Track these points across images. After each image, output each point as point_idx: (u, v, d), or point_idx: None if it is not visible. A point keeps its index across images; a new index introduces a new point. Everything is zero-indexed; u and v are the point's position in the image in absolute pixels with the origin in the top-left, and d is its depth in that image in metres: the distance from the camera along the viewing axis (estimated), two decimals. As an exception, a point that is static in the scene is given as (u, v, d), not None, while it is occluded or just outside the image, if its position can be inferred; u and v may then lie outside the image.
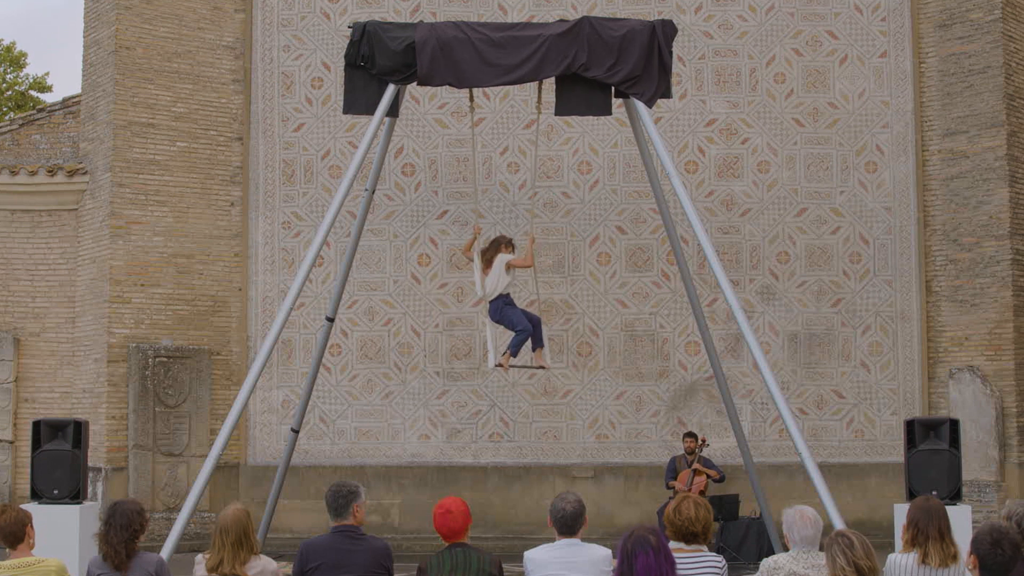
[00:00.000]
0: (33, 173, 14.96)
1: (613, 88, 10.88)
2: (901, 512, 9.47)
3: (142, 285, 14.66)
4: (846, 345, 14.97)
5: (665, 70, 10.85)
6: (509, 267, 11.27)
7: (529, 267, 11.62)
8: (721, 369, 12.50)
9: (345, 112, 11.24)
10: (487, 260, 11.25)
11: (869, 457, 14.82)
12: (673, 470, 13.52)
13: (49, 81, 30.77)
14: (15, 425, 14.88)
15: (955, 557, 5.53)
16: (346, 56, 10.92)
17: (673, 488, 13.46)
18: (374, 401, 15.02)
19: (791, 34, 15.27)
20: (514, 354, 11.51)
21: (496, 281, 11.21)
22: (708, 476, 13.25)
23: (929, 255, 14.96)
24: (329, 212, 10.48)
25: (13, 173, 14.98)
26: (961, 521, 9.03)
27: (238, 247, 15.12)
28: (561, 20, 11.32)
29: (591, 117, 12.25)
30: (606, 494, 14.68)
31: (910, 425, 10.11)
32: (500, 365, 11.59)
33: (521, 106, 15.07)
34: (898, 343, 14.97)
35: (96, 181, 14.89)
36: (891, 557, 5.70)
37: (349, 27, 11.13)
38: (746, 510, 13.35)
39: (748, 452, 12.42)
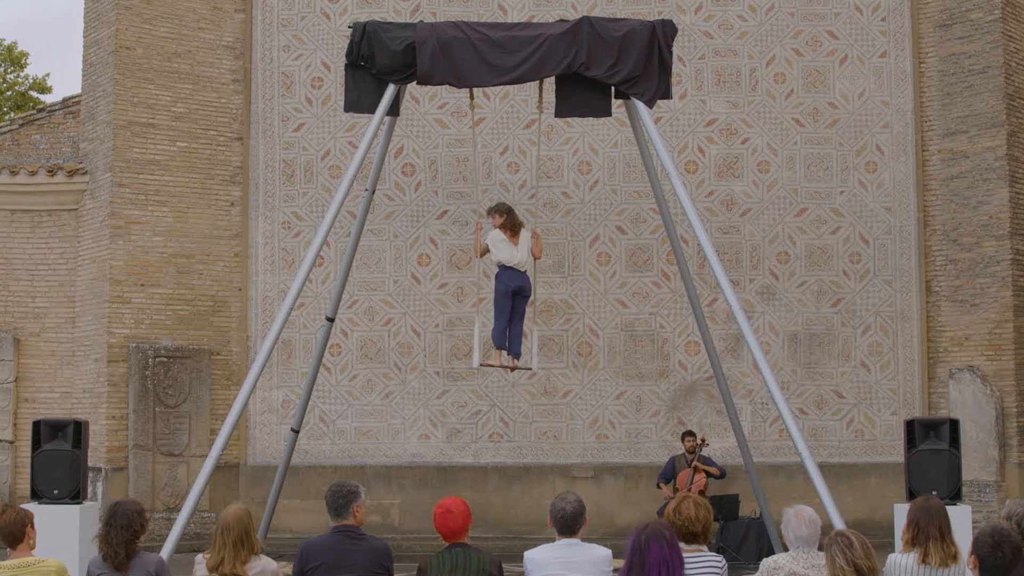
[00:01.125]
0: (33, 173, 14.97)
1: (613, 89, 10.88)
2: (901, 512, 9.47)
3: (142, 285, 14.66)
4: (846, 345, 14.97)
5: (665, 70, 10.86)
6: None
7: (538, 258, 11.69)
8: (721, 369, 12.51)
9: (346, 111, 11.26)
10: (511, 229, 11.29)
11: (869, 457, 14.82)
12: (672, 469, 13.52)
13: (49, 82, 30.75)
14: (15, 425, 14.88)
15: (955, 557, 5.53)
16: (347, 56, 10.93)
17: (662, 489, 13.48)
18: (374, 401, 15.02)
19: (791, 34, 15.27)
20: (518, 355, 11.54)
21: (527, 253, 11.29)
22: (709, 473, 13.25)
23: (929, 255, 14.97)
24: (329, 212, 10.49)
25: (13, 173, 14.98)
26: (961, 521, 9.03)
27: (238, 247, 15.12)
28: (561, 20, 11.33)
29: (591, 117, 12.24)
30: (606, 494, 14.68)
31: (910, 425, 10.11)
32: (514, 367, 11.66)
33: (521, 106, 15.07)
34: (898, 343, 14.97)
35: (96, 181, 14.89)
36: (891, 557, 5.71)
37: (349, 27, 11.14)
38: (746, 510, 13.34)
39: (748, 452, 12.42)
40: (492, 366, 11.75)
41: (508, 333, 11.56)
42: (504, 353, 11.48)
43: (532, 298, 12.35)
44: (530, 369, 12.12)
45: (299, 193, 15.23)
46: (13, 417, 14.90)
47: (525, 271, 11.39)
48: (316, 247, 10.32)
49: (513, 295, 11.41)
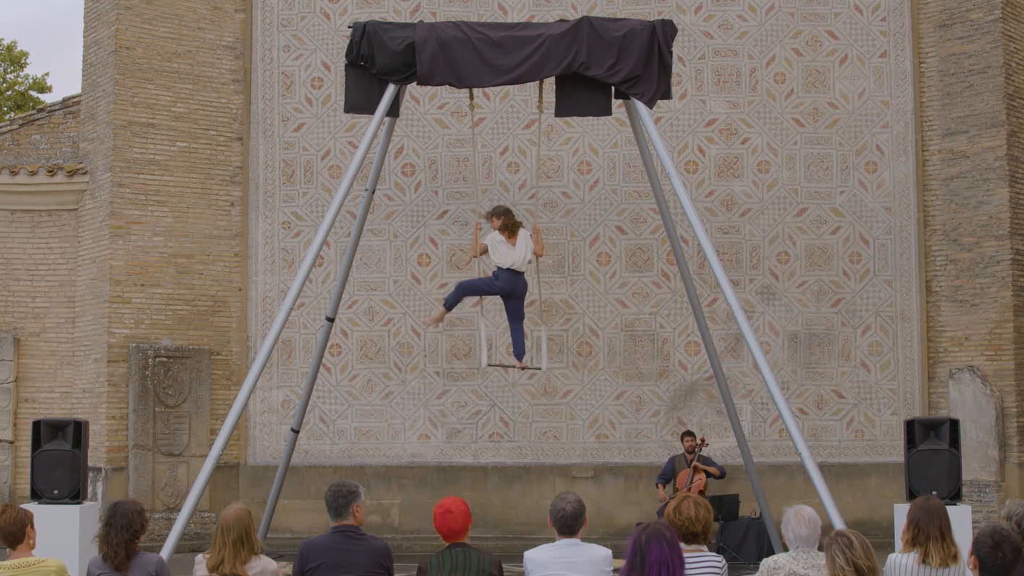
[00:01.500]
0: (33, 173, 14.97)
1: (613, 88, 10.88)
2: (901, 512, 9.47)
3: (142, 285, 14.66)
4: (846, 345, 14.97)
5: (665, 70, 10.85)
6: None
7: (541, 254, 11.69)
8: (721, 369, 12.50)
9: (346, 111, 11.25)
10: (509, 231, 11.29)
11: (869, 457, 14.82)
12: (672, 470, 13.54)
13: (49, 82, 30.76)
14: (15, 425, 14.88)
15: (955, 557, 5.53)
16: (346, 56, 10.93)
17: (659, 488, 13.51)
18: (374, 401, 15.03)
19: (791, 34, 15.27)
20: (520, 357, 11.59)
21: (525, 253, 11.29)
22: (709, 473, 13.26)
23: (929, 255, 14.97)
24: (329, 212, 10.49)
25: (13, 173, 14.98)
26: (961, 521, 9.03)
27: (238, 247, 15.12)
28: (561, 20, 11.33)
29: (591, 117, 12.25)
30: (606, 494, 14.68)
31: (910, 425, 10.11)
32: (524, 367, 11.74)
33: (521, 106, 15.08)
34: (898, 343, 14.97)
35: (96, 181, 14.89)
36: (891, 557, 5.71)
37: (349, 27, 11.14)
38: (746, 510, 13.34)
39: (748, 452, 12.42)
40: (501, 366, 11.78)
41: (510, 334, 11.65)
42: (447, 313, 11.67)
43: (534, 298, 12.37)
44: (539, 368, 12.16)
45: (299, 193, 15.23)
46: (13, 417, 14.90)
47: (522, 272, 11.40)
48: (316, 247, 10.32)
49: (506, 297, 11.48)
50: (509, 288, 11.37)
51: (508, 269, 11.30)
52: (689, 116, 15.19)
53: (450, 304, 11.56)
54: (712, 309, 14.51)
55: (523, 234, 11.33)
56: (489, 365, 12.09)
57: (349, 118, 14.70)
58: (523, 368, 11.88)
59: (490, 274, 11.66)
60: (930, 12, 15.07)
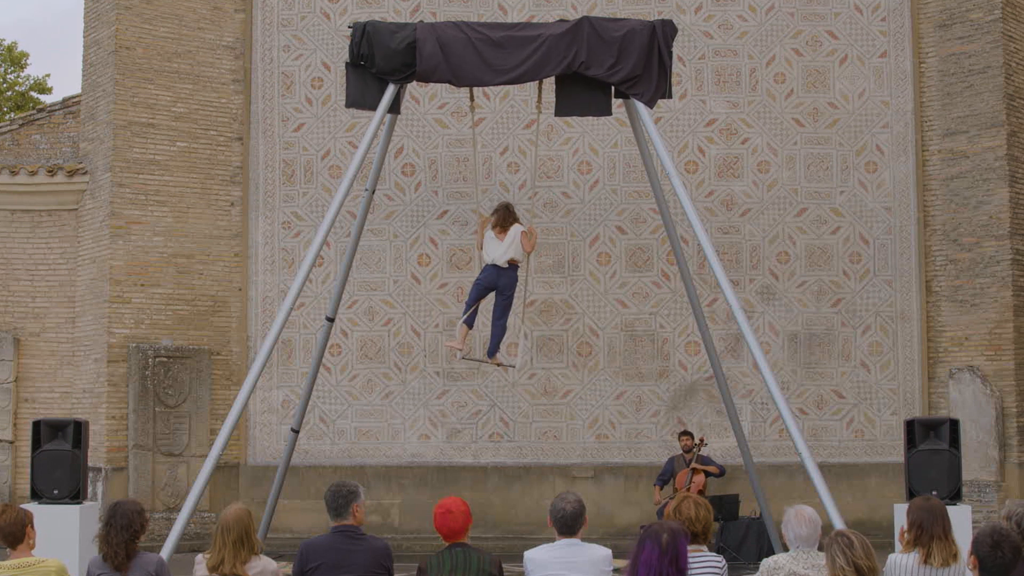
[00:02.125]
0: (33, 173, 14.96)
1: (613, 88, 10.89)
2: (901, 512, 9.46)
3: (142, 285, 14.66)
4: (846, 345, 14.97)
5: (665, 70, 10.85)
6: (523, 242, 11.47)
7: (529, 252, 11.70)
8: (721, 369, 12.50)
9: (348, 107, 11.23)
10: (502, 225, 11.36)
11: (869, 457, 14.82)
12: (671, 470, 13.54)
13: (49, 82, 30.75)
14: (15, 425, 14.88)
15: (956, 557, 5.54)
16: (349, 56, 10.95)
17: (656, 490, 13.53)
18: (374, 401, 15.02)
19: (791, 34, 15.27)
20: (492, 354, 11.67)
21: (509, 247, 11.34)
22: (708, 472, 13.27)
23: (929, 255, 14.96)
24: (329, 212, 10.49)
25: (13, 173, 14.98)
26: (961, 521, 9.02)
27: (238, 247, 15.12)
28: (561, 20, 11.32)
29: (591, 117, 12.25)
30: (606, 494, 14.68)
31: (910, 425, 10.11)
32: (499, 364, 11.82)
33: (521, 106, 15.08)
34: (898, 343, 14.97)
35: (96, 181, 14.89)
36: (891, 557, 5.71)
37: (349, 27, 11.14)
38: (746, 510, 13.35)
39: (748, 452, 12.42)
40: (473, 360, 11.82)
41: (491, 329, 11.71)
42: (467, 330, 11.68)
43: (530, 298, 12.38)
44: (513, 366, 12.25)
45: (299, 193, 15.23)
46: (13, 417, 14.90)
47: (508, 268, 11.41)
48: (316, 247, 10.32)
49: (495, 292, 11.55)
50: (491, 283, 11.47)
51: (490, 264, 11.41)
52: (689, 116, 15.19)
53: (468, 321, 11.62)
54: (712, 309, 14.51)
55: (513, 231, 11.39)
56: (463, 358, 12.22)
57: (349, 118, 14.72)
58: (497, 365, 11.99)
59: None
60: (930, 12, 15.06)
